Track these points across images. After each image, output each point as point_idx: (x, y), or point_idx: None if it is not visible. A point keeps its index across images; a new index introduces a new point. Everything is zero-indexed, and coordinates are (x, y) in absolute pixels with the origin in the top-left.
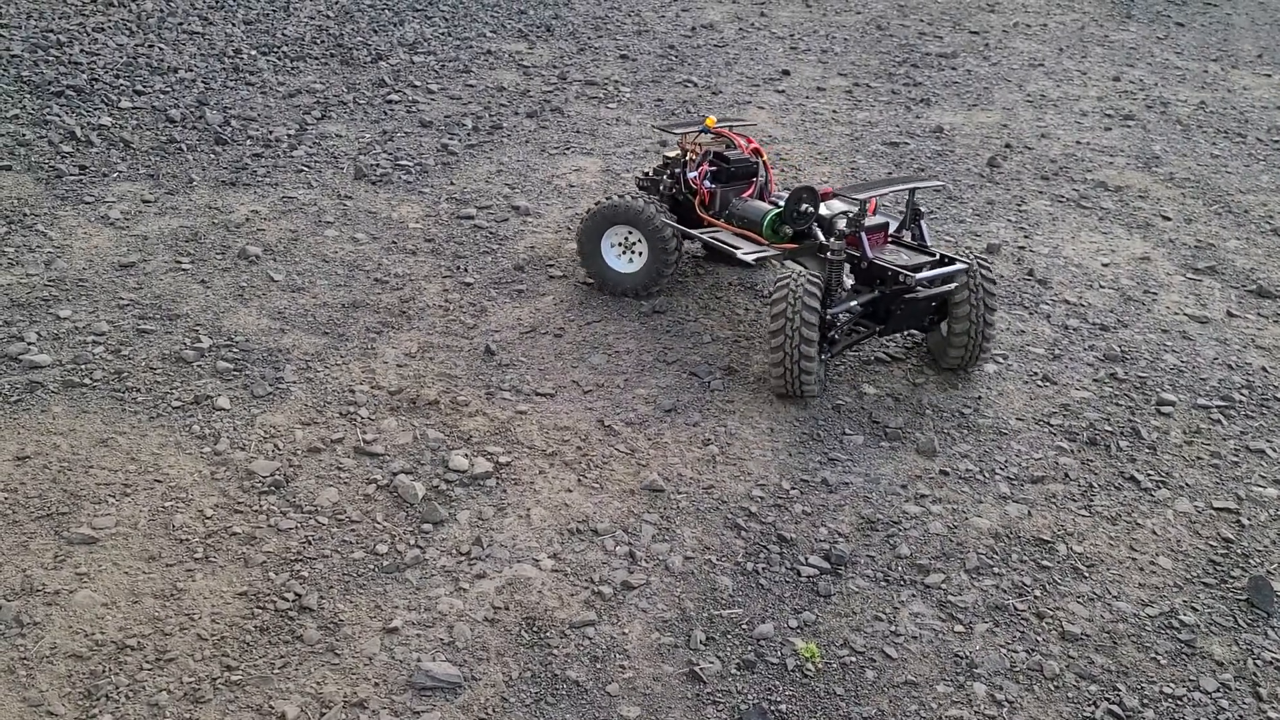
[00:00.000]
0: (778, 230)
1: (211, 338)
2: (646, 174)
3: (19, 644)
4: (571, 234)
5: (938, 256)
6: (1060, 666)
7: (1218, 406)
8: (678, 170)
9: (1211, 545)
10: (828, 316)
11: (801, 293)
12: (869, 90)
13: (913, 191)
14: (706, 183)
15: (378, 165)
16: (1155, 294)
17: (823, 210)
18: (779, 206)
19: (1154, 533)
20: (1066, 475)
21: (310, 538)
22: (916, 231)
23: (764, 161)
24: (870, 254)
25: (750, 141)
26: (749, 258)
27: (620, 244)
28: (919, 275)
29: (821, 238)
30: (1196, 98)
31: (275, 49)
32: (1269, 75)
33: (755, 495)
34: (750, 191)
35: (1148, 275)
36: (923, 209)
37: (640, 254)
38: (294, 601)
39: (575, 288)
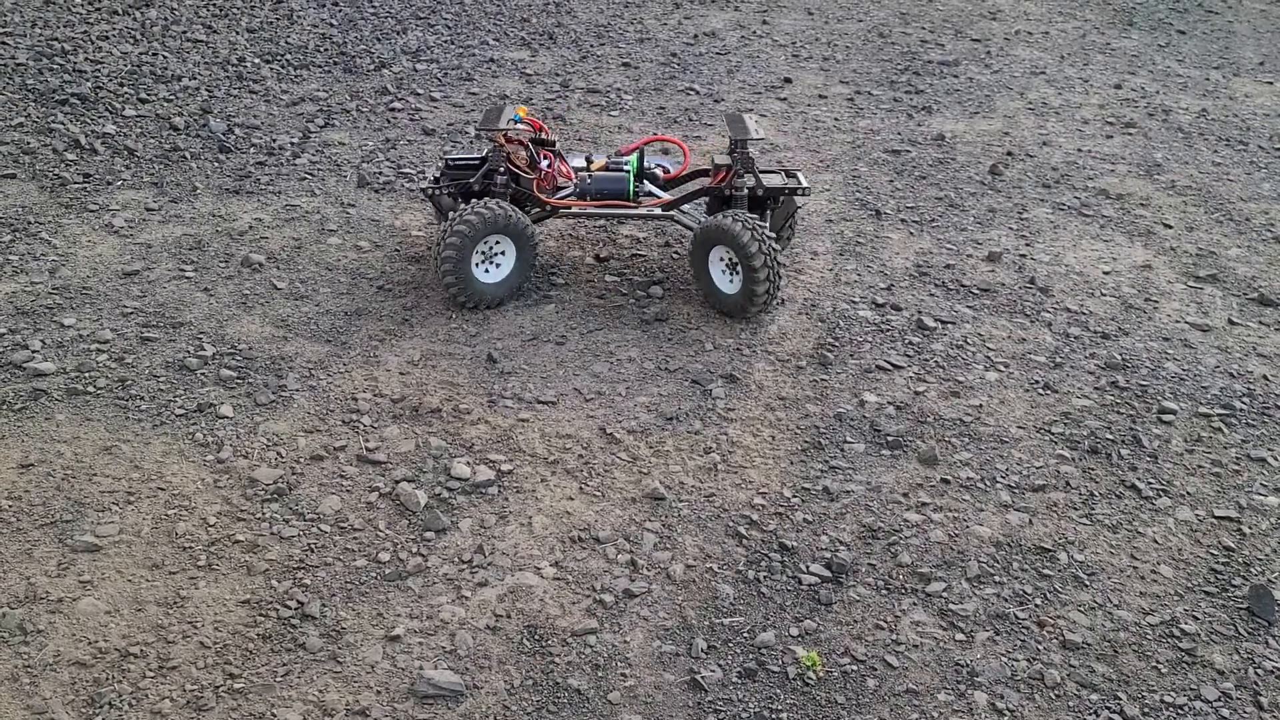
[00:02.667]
0: (637, 191)
1: (215, 346)
2: (445, 182)
3: (22, 651)
4: (578, 242)
5: (784, 172)
6: (1061, 675)
7: (1219, 415)
8: (503, 165)
9: (1213, 554)
10: None
11: (758, 224)
12: (871, 98)
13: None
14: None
15: (381, 173)
16: (1156, 302)
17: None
18: (622, 172)
19: (1155, 541)
20: (1067, 483)
21: (313, 545)
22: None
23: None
24: (764, 183)
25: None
26: (677, 213)
27: (483, 255)
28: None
29: (652, 188)
30: (1198, 105)
31: (279, 57)
32: (1270, 83)
33: (756, 503)
34: (568, 169)
35: (1149, 283)
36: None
37: (501, 263)
38: (296, 609)
39: (577, 296)
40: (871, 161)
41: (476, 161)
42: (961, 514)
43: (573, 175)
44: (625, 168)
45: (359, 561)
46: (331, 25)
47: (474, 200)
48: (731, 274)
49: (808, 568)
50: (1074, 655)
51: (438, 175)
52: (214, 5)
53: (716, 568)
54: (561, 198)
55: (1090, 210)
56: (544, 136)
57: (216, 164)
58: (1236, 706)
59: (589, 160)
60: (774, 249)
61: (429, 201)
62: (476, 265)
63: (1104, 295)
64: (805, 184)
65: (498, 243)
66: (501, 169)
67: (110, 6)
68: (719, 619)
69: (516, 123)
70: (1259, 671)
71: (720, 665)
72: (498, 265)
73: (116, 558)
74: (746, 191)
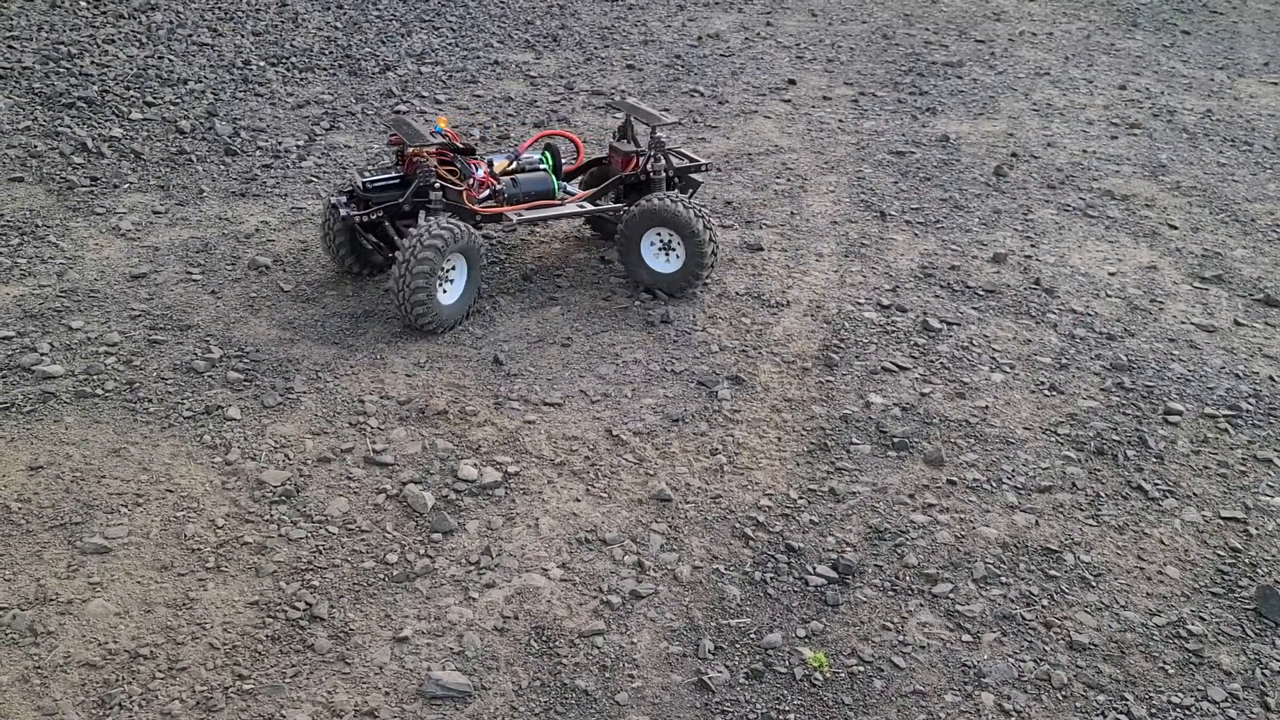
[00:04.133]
0: (559, 188)
1: (222, 348)
2: (369, 205)
3: (33, 653)
4: (582, 244)
5: (674, 152)
6: (1068, 676)
7: (1225, 416)
8: (435, 180)
9: (1219, 555)
10: None
11: (696, 205)
12: (875, 99)
13: (630, 117)
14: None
15: None
16: (1162, 303)
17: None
18: (540, 171)
19: (1161, 542)
20: (1074, 485)
21: (321, 547)
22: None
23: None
24: (675, 164)
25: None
26: (612, 211)
27: (439, 279)
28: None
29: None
30: (1203, 106)
31: (284, 60)
32: (1275, 83)
33: (763, 505)
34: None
35: (1154, 284)
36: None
37: (455, 279)
38: (305, 611)
39: (583, 298)
40: (876, 163)
41: (398, 180)
42: (968, 515)
43: (496, 182)
44: (542, 167)
45: (367, 563)
46: (336, 28)
47: (430, 220)
48: (666, 254)
49: (814, 569)
50: (1081, 656)
51: (349, 199)
52: (219, 9)
53: (723, 569)
54: (486, 204)
55: (1095, 211)
56: (460, 145)
57: (223, 167)
58: (1244, 707)
59: (490, 163)
60: (714, 226)
61: (347, 230)
62: (438, 289)
63: (1109, 296)
64: (705, 161)
65: (450, 263)
66: (435, 183)
67: (116, 10)
68: (726, 620)
69: (439, 134)
70: (1266, 672)
71: (727, 666)
72: (451, 283)
73: (125, 559)
74: (664, 175)
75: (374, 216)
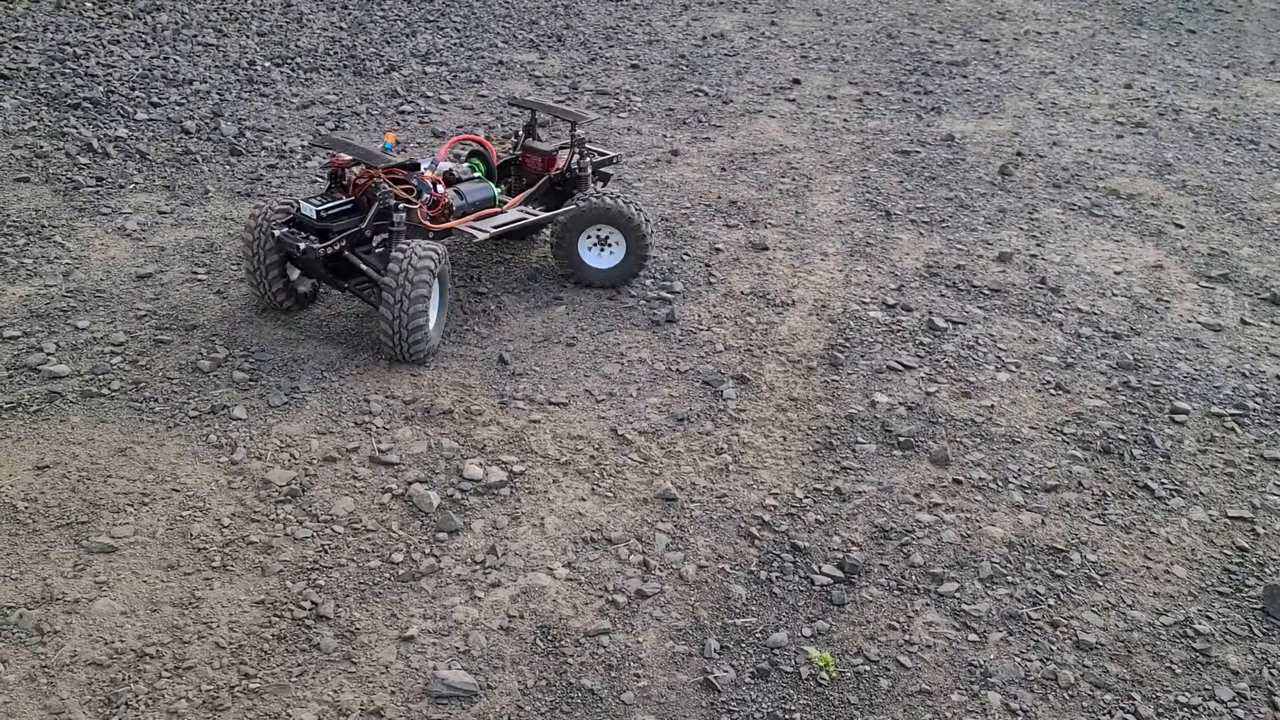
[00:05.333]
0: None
1: (228, 348)
2: (335, 241)
3: (40, 652)
4: None
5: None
6: (1075, 675)
7: (1232, 414)
8: (394, 202)
9: (1226, 554)
10: None
11: (633, 201)
12: (880, 98)
13: (534, 116)
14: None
15: None
16: (1168, 302)
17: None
18: (475, 178)
19: (1168, 541)
20: (1080, 484)
21: (326, 546)
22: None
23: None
24: (591, 163)
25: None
26: (558, 214)
27: None
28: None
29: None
30: (1208, 105)
31: (289, 60)
32: None
33: (768, 504)
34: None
35: (1160, 283)
36: (538, 129)
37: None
38: (311, 610)
39: (587, 297)
40: (881, 162)
41: (350, 205)
42: (974, 514)
43: (443, 196)
44: (476, 175)
45: (372, 562)
46: (341, 29)
47: (410, 243)
48: (603, 250)
49: (820, 568)
50: (1088, 656)
51: (294, 230)
52: (224, 9)
53: (729, 568)
54: (436, 220)
55: (1101, 210)
56: (406, 162)
57: (228, 167)
58: (1251, 707)
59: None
60: (650, 217)
61: (280, 260)
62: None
63: (1115, 295)
64: (615, 154)
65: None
66: (398, 205)
67: (121, 11)
68: (731, 619)
69: (388, 150)
70: (1273, 671)
71: (733, 665)
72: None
73: (132, 559)
74: (590, 171)
75: (337, 247)
